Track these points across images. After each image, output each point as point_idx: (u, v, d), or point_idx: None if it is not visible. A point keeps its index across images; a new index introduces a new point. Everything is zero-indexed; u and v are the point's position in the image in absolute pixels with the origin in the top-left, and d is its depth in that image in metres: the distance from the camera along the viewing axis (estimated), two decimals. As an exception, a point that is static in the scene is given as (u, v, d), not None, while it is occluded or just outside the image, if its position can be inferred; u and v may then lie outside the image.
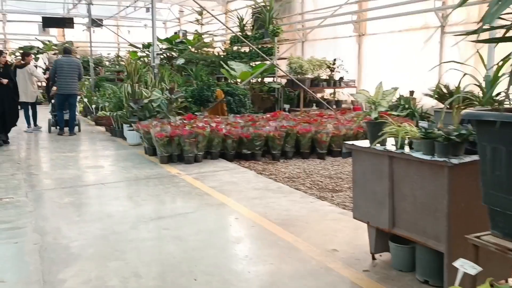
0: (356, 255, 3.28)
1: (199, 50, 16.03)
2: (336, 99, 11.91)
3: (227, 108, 9.93)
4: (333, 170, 6.31)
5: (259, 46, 12.78)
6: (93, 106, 11.81)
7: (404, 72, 10.18)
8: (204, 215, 4.20)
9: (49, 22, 15.92)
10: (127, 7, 15.05)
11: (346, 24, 12.00)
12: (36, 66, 16.26)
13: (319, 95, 11.94)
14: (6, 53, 8.33)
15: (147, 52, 16.43)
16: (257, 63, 13.05)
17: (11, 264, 3.15)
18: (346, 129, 7.46)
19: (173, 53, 15.92)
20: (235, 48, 14.94)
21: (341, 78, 11.74)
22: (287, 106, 11.72)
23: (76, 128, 10.17)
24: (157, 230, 3.80)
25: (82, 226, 3.86)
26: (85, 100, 12.48)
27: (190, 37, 17.18)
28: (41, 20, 17.02)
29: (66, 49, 10.44)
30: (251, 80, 11.73)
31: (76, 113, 10.49)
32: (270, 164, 6.69)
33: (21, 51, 11.44)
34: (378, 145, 3.01)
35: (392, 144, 2.97)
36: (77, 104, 10.90)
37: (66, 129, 9.83)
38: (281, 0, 14.04)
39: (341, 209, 4.40)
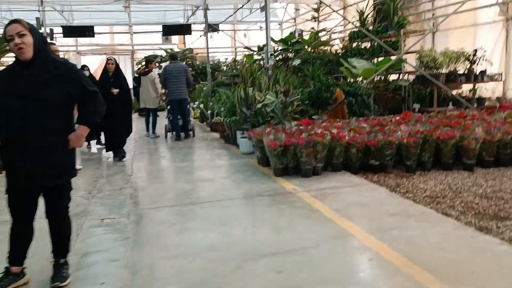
0: None
1: (316, 49, 15.17)
2: (477, 96, 10.15)
3: (348, 111, 8.89)
4: (488, 187, 4.97)
5: (382, 41, 11.52)
6: (209, 111, 11.57)
7: None
8: (328, 252, 3.29)
9: (168, 30, 16.30)
10: (241, 7, 14.70)
11: (489, 7, 10.17)
12: (159, 74, 16.87)
13: (455, 92, 10.29)
14: (113, 59, 7.61)
15: (263, 55, 16.04)
16: (380, 59, 11.80)
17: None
18: (502, 133, 5.99)
19: (289, 54, 15.30)
20: (354, 44, 13.82)
21: (483, 72, 9.95)
22: (417, 106, 10.27)
23: (191, 133, 10.13)
24: (267, 273, 2.98)
25: (180, 263, 3.20)
26: (201, 106, 12.33)
27: (306, 36, 16.42)
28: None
29: (173, 56, 10.43)
30: (374, 79, 10.53)
31: (190, 118, 10.39)
32: (404, 178, 5.54)
33: (146, 59, 11.65)
34: None
35: None
36: (190, 108, 10.81)
37: (182, 134, 9.84)
38: (407, -13, 12.55)
39: (519, 250, 3.18)
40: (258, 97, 7.72)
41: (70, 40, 23.31)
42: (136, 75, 15.19)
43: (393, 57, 10.26)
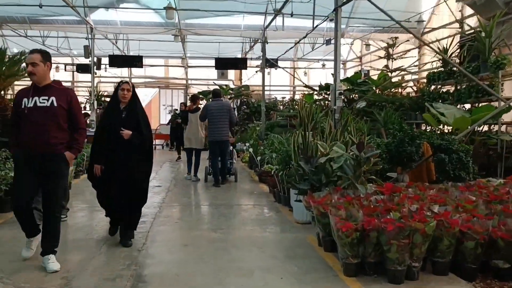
0: None
1: (384, 91, 13.26)
2: None
3: (435, 171, 6.84)
4: None
5: (471, 83, 9.51)
6: (259, 157, 9.79)
7: None
8: None
9: (222, 64, 14.95)
10: (304, 37, 13.04)
11: None
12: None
13: None
14: (129, 83, 4.82)
15: (325, 95, 14.29)
16: (464, 105, 9.77)
17: None
18: None
19: (353, 95, 13.47)
20: (432, 87, 11.76)
21: None
22: (524, 168, 7.97)
23: (232, 177, 9.21)
24: None
25: None
26: (250, 150, 10.60)
27: (372, 77, 14.60)
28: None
29: (215, 93, 9.09)
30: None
31: (234, 161, 9.34)
32: (557, 299, 3.40)
33: (192, 95, 10.22)
34: None
35: None
36: (234, 150, 9.58)
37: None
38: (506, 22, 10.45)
39: None
40: (322, 147, 5.84)
41: (125, 72, 22.72)
42: (177, 111, 13.88)
43: (491, 103, 8.15)
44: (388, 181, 6.15)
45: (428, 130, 9.21)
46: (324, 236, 4.55)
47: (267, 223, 5.79)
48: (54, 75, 22.63)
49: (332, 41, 13.98)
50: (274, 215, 6.23)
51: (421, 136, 6.86)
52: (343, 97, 13.52)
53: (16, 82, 7.02)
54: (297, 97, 21.94)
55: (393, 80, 13.57)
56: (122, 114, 4.72)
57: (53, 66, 19.38)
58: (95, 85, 21.04)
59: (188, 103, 10.14)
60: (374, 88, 13.13)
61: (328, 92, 13.43)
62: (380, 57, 13.28)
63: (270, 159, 9.01)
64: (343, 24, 15.22)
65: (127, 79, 4.97)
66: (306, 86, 16.51)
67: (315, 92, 15.09)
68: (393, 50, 12.58)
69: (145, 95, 25.27)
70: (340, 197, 4.75)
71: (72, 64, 19.16)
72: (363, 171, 5.38)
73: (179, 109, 13.88)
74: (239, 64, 15.01)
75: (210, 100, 9.47)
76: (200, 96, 19.64)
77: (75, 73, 21.27)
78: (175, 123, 14.11)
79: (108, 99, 19.81)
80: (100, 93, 19.01)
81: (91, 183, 4.86)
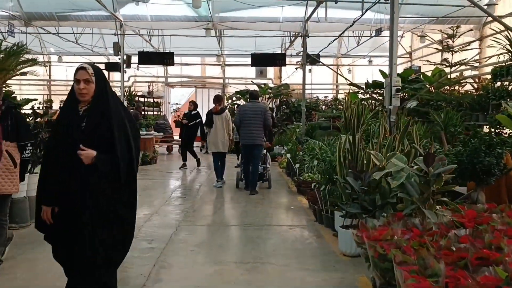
0: None
1: (439, 89, 11.73)
2: None
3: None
4: None
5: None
6: (297, 165, 8.57)
7: None
8: None
9: (258, 60, 13.73)
10: (349, 27, 11.64)
11: None
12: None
13: None
14: (87, 67, 2.72)
15: (373, 95, 12.89)
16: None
17: None
18: None
19: (403, 93, 12.01)
20: (498, 83, 10.17)
21: None
22: None
23: (266, 183, 8.58)
24: None
25: None
26: (288, 155, 9.40)
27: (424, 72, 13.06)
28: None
29: (252, 94, 8.50)
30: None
31: (267, 166, 8.61)
32: None
33: (215, 95, 9.13)
34: None
35: None
36: (266, 155, 8.67)
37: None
38: None
39: None
40: (377, 159, 4.56)
41: (160, 71, 22.00)
42: (188, 112, 12.42)
43: None
44: (458, 201, 4.87)
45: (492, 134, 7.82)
46: (383, 285, 3.30)
47: (306, 254, 4.57)
48: (90, 75, 22.23)
49: (383, 32, 12.65)
50: (314, 242, 5.00)
51: (503, 143, 5.44)
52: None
53: (8, 82, 6.02)
54: (340, 96, 20.51)
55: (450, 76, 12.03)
56: (82, 122, 2.75)
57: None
58: (130, 84, 20.52)
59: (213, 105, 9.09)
60: (427, 85, 11.69)
61: (375, 91, 12.06)
62: (438, 50, 11.72)
63: (310, 167, 7.79)
64: (393, 15, 13.75)
65: (87, 64, 2.79)
66: (351, 84, 15.12)
67: (360, 91, 13.71)
68: (453, 41, 11.02)
69: (181, 95, 24.54)
70: (405, 230, 3.49)
71: (103, 63, 18.57)
72: (434, 191, 4.08)
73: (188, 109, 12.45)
74: (278, 59, 13.74)
75: (247, 100, 8.74)
76: (238, 96, 18.64)
77: (110, 73, 20.73)
78: (179, 124, 12.87)
79: (141, 99, 19.12)
80: (133, 93, 18.35)
81: (42, 233, 2.90)
